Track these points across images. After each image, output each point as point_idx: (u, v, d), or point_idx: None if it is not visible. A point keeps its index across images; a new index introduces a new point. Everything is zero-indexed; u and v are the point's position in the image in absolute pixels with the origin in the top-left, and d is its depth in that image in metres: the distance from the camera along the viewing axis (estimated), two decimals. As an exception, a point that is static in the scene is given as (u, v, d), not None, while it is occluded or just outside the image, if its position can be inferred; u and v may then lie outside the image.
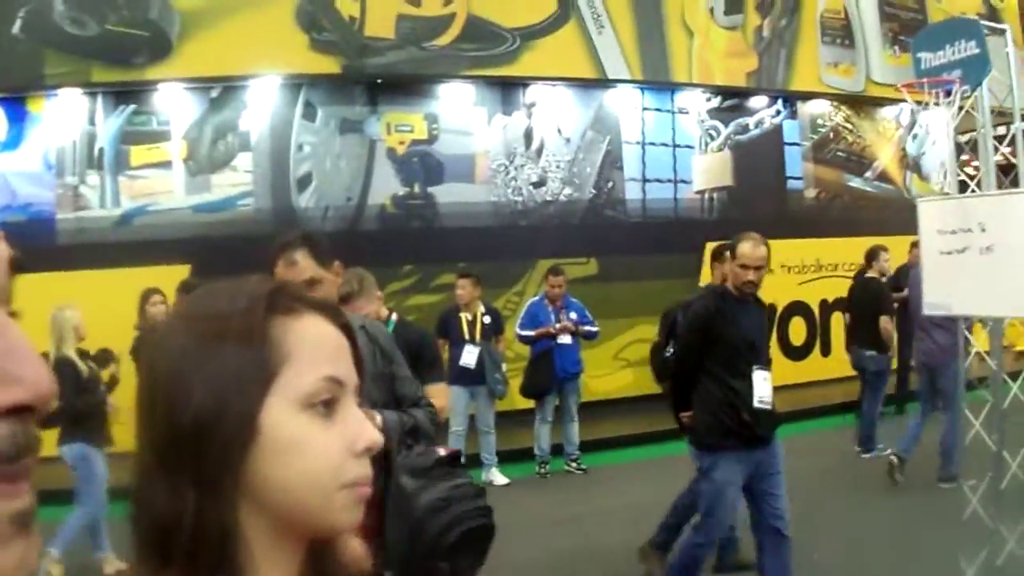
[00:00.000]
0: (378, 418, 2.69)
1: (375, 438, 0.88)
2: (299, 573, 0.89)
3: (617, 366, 10.83)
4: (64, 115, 10.05)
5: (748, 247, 4.10)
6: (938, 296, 4.59)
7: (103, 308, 7.56)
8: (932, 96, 5.12)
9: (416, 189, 10.18)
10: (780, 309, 11.23)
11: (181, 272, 8.36)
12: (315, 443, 0.83)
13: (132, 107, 10.12)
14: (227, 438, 0.80)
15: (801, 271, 11.48)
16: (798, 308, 11.51)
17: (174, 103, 10.08)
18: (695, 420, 4.24)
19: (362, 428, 0.87)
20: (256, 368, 0.82)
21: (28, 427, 0.50)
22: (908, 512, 6.25)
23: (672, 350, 4.98)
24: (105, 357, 8.72)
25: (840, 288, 10.44)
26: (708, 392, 4.13)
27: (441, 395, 4.04)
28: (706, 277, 10.39)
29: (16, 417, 0.49)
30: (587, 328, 8.20)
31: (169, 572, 0.80)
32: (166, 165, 10.07)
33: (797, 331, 11.62)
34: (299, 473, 0.82)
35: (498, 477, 7.95)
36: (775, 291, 11.19)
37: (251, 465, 0.81)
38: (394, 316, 4.12)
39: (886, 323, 8.01)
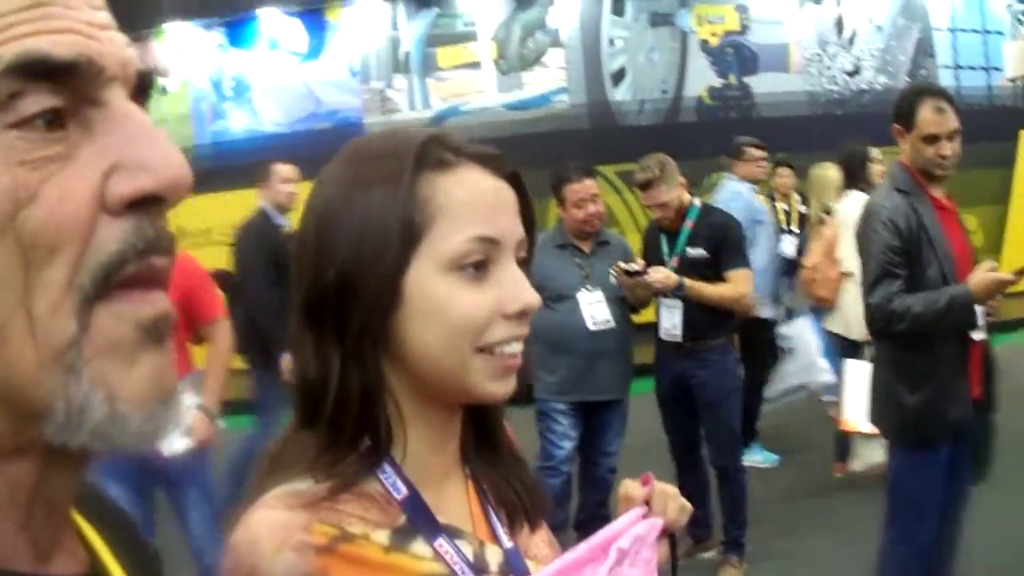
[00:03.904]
0: None
1: (530, 299, 0.80)
2: (458, 439, 0.87)
3: (935, 258, 10.56)
4: (365, 22, 10.16)
5: None
6: None
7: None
8: None
9: (731, 80, 10.03)
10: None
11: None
12: (459, 306, 0.78)
13: (436, 10, 10.19)
14: (368, 301, 0.78)
15: (1119, 161, 11.01)
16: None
17: (478, 4, 10.10)
18: None
19: (517, 289, 0.80)
20: (400, 229, 0.78)
21: (157, 221, 0.44)
22: None
23: None
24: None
25: None
26: None
27: (744, 281, 3.81)
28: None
29: (142, 209, 0.43)
30: None
31: (318, 434, 0.80)
32: (474, 65, 10.11)
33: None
34: (436, 336, 0.79)
35: None
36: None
37: (393, 329, 0.79)
38: (697, 202, 3.95)
39: None
